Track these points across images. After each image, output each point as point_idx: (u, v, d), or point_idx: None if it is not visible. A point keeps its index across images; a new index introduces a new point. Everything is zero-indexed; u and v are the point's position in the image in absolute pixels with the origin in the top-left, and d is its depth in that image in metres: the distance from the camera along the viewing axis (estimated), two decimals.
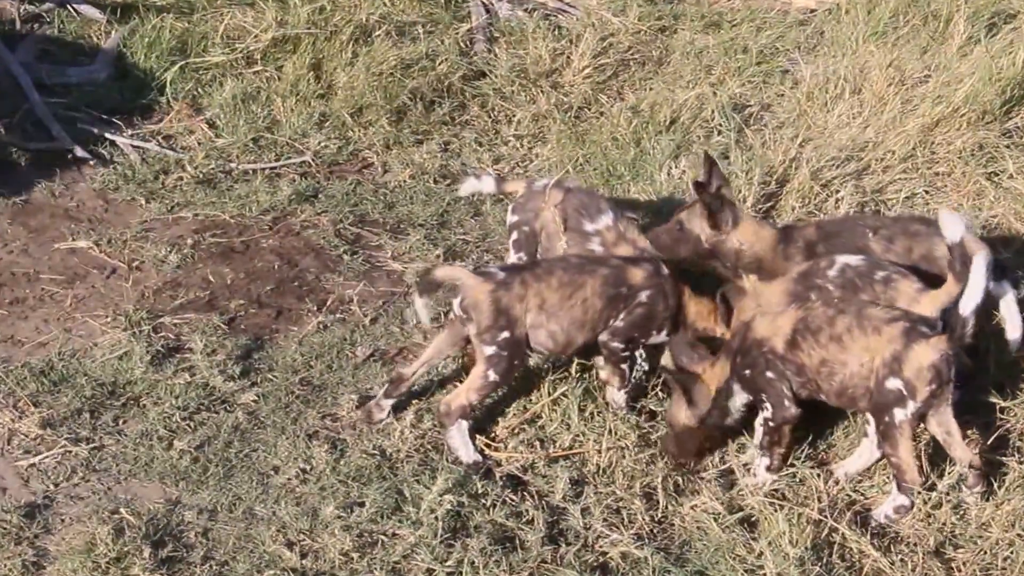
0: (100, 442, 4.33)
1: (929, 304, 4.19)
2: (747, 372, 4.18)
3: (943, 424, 4.05)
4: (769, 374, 4.14)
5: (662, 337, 4.46)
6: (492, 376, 4.29)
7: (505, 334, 4.26)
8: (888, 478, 4.13)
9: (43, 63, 6.35)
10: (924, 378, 3.94)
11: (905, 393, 3.94)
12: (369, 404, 4.46)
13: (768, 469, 4.23)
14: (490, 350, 4.27)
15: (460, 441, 4.28)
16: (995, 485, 4.16)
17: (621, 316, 4.36)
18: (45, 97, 6.11)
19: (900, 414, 3.96)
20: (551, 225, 4.71)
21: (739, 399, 4.27)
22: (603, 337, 4.39)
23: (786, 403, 4.15)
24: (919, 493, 4.05)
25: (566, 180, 4.95)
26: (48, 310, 4.98)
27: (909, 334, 3.97)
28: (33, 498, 4.09)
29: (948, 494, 4.10)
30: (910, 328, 3.98)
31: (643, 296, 4.37)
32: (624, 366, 4.44)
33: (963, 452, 4.08)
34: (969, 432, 4.31)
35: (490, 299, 4.25)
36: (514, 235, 4.82)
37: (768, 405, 4.17)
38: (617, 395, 4.47)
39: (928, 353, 3.93)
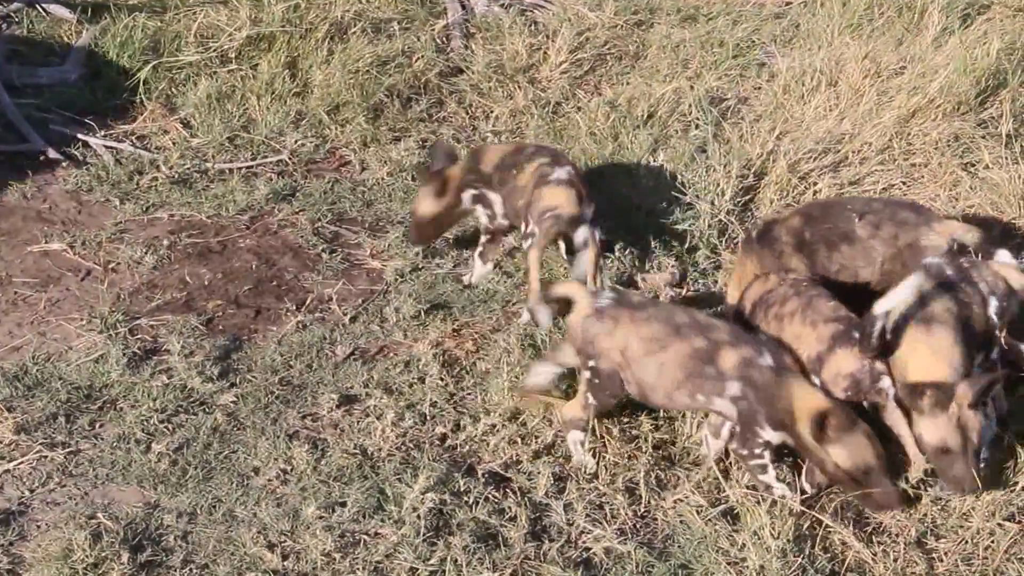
0: (76, 446, 4.29)
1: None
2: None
3: (892, 430, 4.09)
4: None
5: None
6: (590, 400, 4.20)
7: (591, 363, 4.15)
8: None
9: (13, 64, 6.28)
10: (839, 384, 4.05)
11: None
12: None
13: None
14: (585, 374, 4.20)
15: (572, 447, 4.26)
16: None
17: (701, 391, 4.04)
18: (15, 98, 6.05)
19: None
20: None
21: None
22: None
23: None
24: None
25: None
26: (22, 313, 4.93)
27: (838, 338, 4.05)
28: (8, 504, 4.04)
29: (927, 489, 4.11)
30: (842, 332, 4.06)
31: (735, 388, 4.00)
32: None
33: (916, 455, 4.11)
34: None
35: (581, 325, 4.16)
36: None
37: None
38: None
39: (849, 361, 4.03)
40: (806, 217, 4.68)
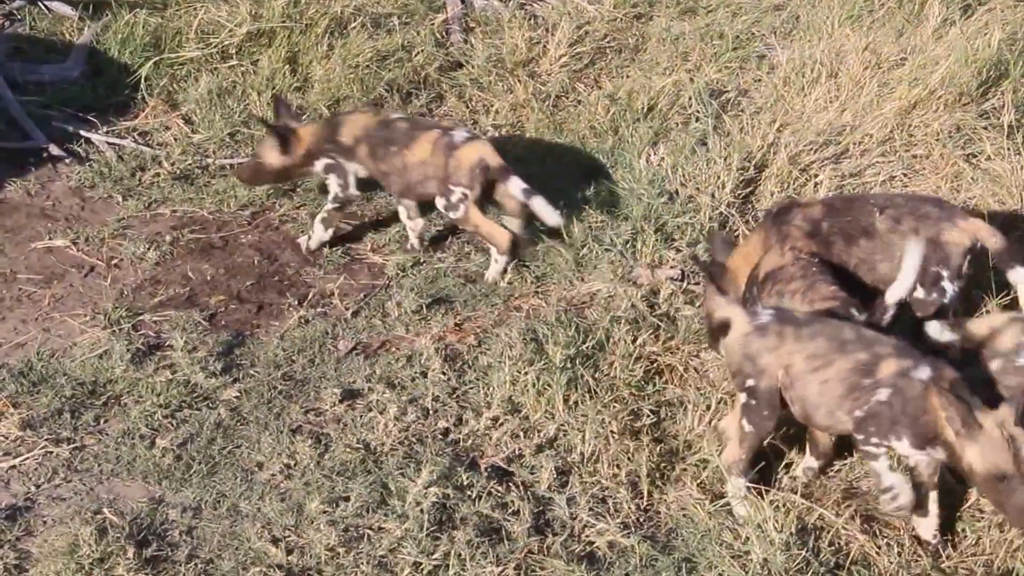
0: (81, 442, 4.30)
1: None
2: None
3: None
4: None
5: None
6: (747, 427, 4.03)
7: (750, 382, 3.99)
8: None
9: (15, 61, 6.28)
10: None
11: None
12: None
13: None
14: (741, 398, 4.05)
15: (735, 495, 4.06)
16: None
17: (858, 404, 3.88)
18: (18, 95, 6.06)
19: None
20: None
21: None
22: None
23: None
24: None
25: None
26: (26, 310, 4.94)
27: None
28: (14, 500, 4.06)
29: None
30: (838, 308, 4.11)
31: (883, 394, 3.82)
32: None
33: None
34: None
35: (741, 343, 4.00)
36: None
37: None
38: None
39: None
40: (828, 208, 4.70)
